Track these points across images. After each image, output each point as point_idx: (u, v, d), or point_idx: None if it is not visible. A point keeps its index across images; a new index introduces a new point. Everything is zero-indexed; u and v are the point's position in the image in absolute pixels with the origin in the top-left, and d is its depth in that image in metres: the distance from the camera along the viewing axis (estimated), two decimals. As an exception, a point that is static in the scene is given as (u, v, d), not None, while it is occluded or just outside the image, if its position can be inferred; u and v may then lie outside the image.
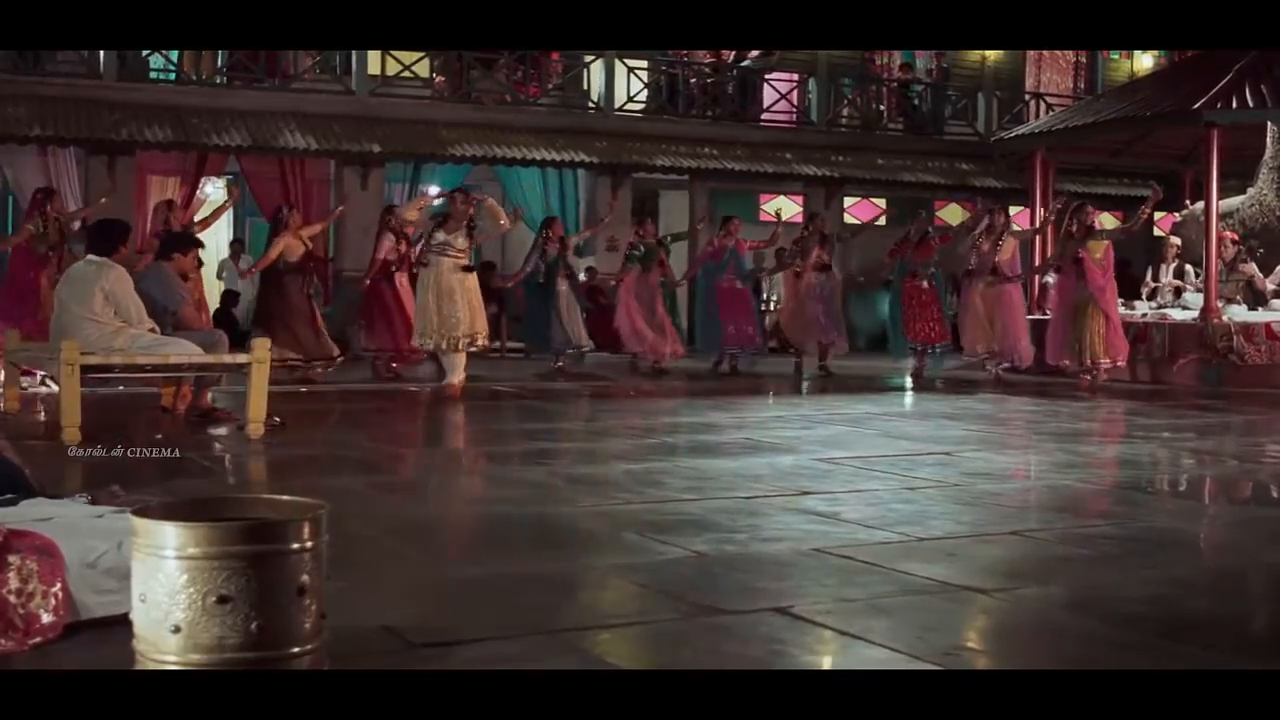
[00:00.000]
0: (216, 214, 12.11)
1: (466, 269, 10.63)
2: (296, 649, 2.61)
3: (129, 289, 7.35)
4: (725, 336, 13.10)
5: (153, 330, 7.39)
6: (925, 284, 12.87)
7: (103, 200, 11.11)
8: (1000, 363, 12.51)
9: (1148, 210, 12.21)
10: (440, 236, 10.44)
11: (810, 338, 13.29)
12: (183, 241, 8.93)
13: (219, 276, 16.89)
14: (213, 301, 15.35)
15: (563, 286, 12.90)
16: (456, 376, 10.31)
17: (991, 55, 20.70)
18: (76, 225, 11.36)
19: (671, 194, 19.45)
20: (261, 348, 7.37)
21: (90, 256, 7.44)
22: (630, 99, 18.51)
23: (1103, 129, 14.21)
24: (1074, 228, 11.89)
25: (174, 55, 16.55)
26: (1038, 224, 13.86)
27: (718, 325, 13.09)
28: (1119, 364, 11.87)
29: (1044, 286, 13.93)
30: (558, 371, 12.65)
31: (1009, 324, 12.29)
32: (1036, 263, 13.91)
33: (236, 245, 17.59)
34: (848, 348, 13.54)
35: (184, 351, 7.27)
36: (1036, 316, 13.30)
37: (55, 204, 10.98)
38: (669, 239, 13.93)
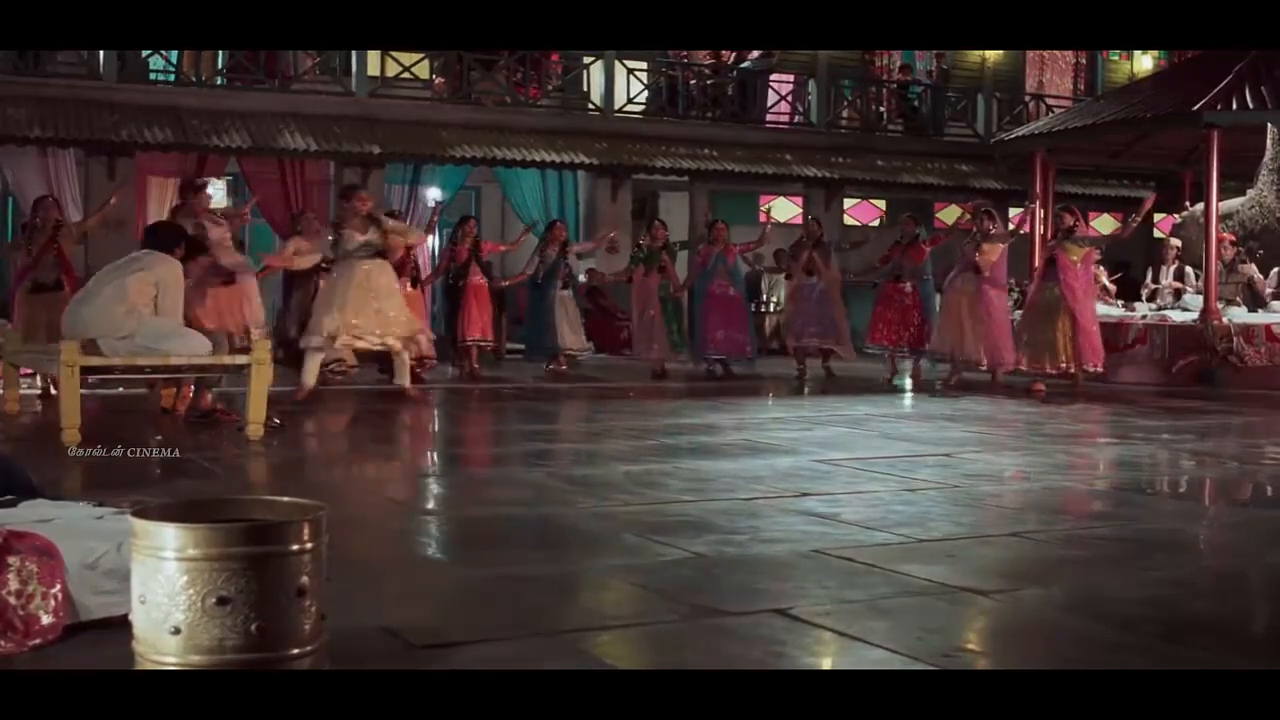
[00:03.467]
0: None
1: (380, 255, 9.47)
2: (296, 650, 2.61)
3: (179, 284, 7.42)
4: (710, 342, 13.01)
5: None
6: (908, 287, 12.66)
7: (111, 201, 11.01)
8: (960, 367, 12.16)
9: (1139, 218, 11.97)
10: (358, 239, 9.42)
11: (793, 339, 13.30)
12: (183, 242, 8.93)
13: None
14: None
15: (562, 291, 12.88)
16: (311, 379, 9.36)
17: (991, 56, 20.71)
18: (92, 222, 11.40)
19: (671, 195, 19.47)
20: (261, 349, 7.36)
21: (149, 250, 7.49)
22: (630, 100, 18.52)
23: (1102, 130, 14.20)
24: (1054, 230, 11.72)
25: (174, 56, 16.56)
26: (1025, 228, 13.61)
27: (703, 331, 13.03)
28: (1094, 369, 11.39)
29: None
30: (552, 374, 12.65)
31: (988, 329, 11.93)
32: (1037, 264, 13.80)
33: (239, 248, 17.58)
34: (854, 354, 13.37)
35: (191, 348, 7.26)
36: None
37: (51, 213, 10.79)
38: (676, 247, 13.85)
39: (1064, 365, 11.36)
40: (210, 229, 9.46)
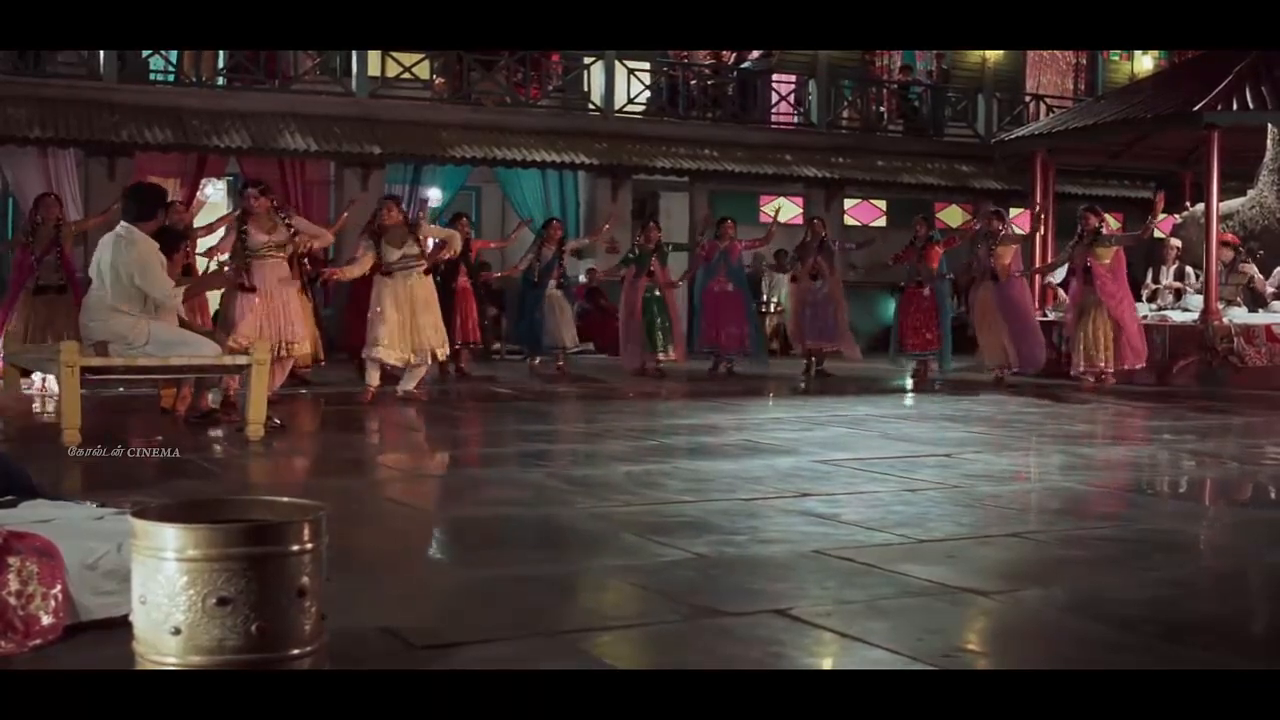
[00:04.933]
0: (213, 227, 12.01)
1: (428, 272, 10.05)
2: (296, 650, 2.61)
3: (153, 264, 7.23)
4: (707, 338, 13.12)
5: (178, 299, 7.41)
6: (926, 290, 12.77)
7: (115, 207, 10.95)
8: (1011, 369, 12.28)
9: (1155, 221, 12.03)
10: (396, 253, 9.79)
11: (798, 341, 13.40)
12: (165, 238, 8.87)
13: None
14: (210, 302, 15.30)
15: (554, 290, 12.90)
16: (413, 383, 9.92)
17: (991, 56, 20.69)
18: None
19: (672, 195, 19.45)
20: (261, 350, 7.36)
21: (122, 225, 7.32)
22: (630, 101, 18.50)
23: (1103, 130, 14.19)
24: (1080, 233, 11.72)
25: (174, 56, 16.55)
26: (1035, 227, 13.72)
27: (701, 326, 13.14)
28: (1136, 367, 11.50)
29: (1045, 287, 13.88)
30: (545, 371, 12.65)
31: (1019, 328, 12.06)
32: (1036, 264, 13.82)
33: (235, 247, 17.57)
34: (859, 355, 13.47)
35: (199, 351, 7.25)
36: (1040, 317, 13.23)
37: (53, 211, 10.71)
38: (668, 248, 13.89)
39: (1103, 365, 11.41)
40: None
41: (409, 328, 9.73)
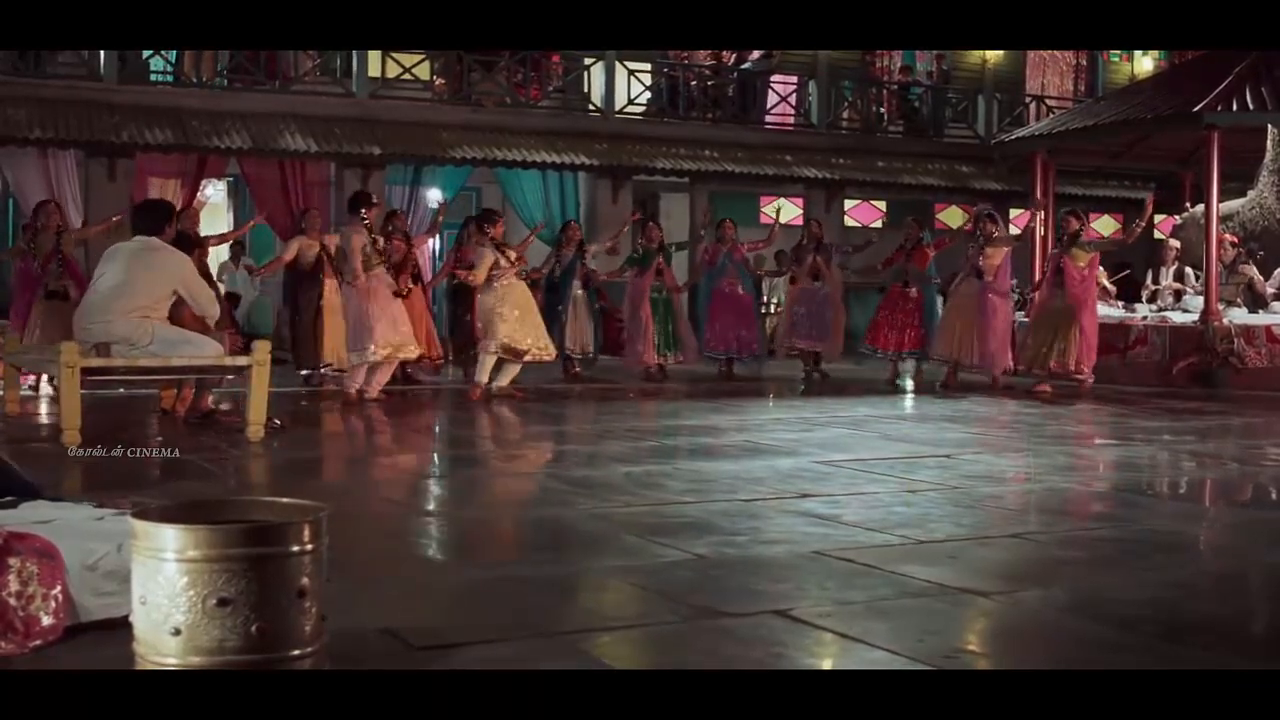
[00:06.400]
0: (225, 236, 12.03)
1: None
2: (296, 651, 2.61)
3: (198, 277, 7.51)
4: (721, 340, 13.10)
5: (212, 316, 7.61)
6: (913, 291, 12.65)
7: (115, 219, 10.91)
8: (972, 367, 12.18)
9: (1143, 222, 11.94)
10: (504, 262, 10.33)
11: (788, 340, 13.37)
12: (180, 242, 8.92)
13: (219, 279, 16.86)
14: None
15: (578, 291, 12.88)
16: (485, 376, 10.36)
17: (991, 57, 20.70)
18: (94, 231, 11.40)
19: (672, 196, 19.46)
20: (262, 350, 7.36)
21: (139, 239, 7.40)
22: (631, 101, 18.51)
23: (1103, 131, 14.18)
24: (1059, 235, 11.65)
25: (174, 57, 16.55)
26: (1029, 231, 13.66)
27: (711, 328, 13.12)
28: (1083, 374, 11.32)
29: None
30: (571, 375, 12.64)
31: (988, 332, 11.90)
32: (1037, 265, 13.78)
33: (237, 248, 17.57)
34: (839, 353, 13.41)
35: (201, 351, 7.25)
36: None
37: (53, 218, 10.69)
38: (672, 248, 13.85)
39: (1069, 366, 11.29)
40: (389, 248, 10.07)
41: (530, 327, 10.31)
